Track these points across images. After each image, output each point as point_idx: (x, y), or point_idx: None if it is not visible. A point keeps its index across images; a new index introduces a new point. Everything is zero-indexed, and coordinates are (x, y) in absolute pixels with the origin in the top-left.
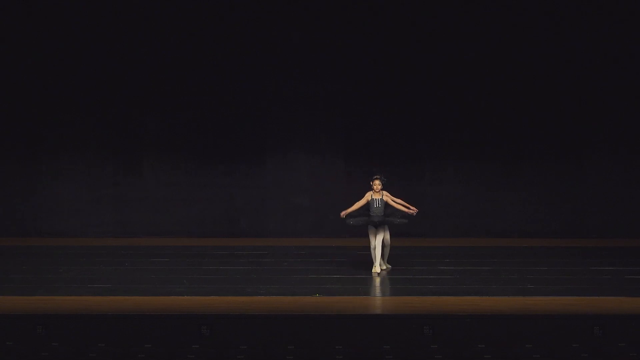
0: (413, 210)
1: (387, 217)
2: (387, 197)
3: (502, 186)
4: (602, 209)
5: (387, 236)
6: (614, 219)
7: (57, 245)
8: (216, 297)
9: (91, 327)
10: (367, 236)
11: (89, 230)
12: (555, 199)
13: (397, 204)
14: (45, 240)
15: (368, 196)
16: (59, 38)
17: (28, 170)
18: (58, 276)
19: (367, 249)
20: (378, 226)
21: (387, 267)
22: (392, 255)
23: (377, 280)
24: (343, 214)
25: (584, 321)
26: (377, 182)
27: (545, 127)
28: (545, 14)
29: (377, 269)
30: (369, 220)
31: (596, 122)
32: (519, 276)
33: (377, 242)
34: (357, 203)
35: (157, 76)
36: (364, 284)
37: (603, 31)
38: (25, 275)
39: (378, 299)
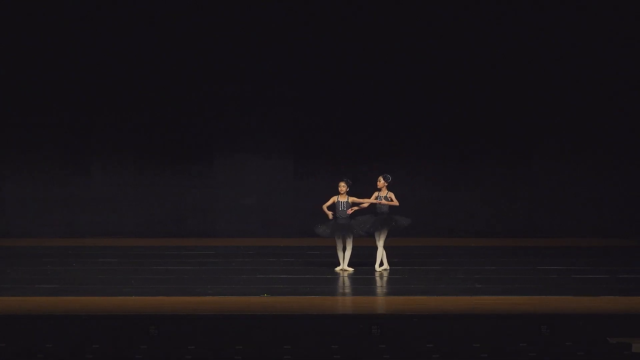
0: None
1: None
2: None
3: (451, 186)
4: (549, 210)
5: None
6: (562, 219)
7: (3, 246)
8: (164, 297)
9: (38, 327)
10: (316, 237)
11: (37, 231)
12: (503, 199)
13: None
14: None
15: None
16: (1, 38)
17: None
18: (5, 276)
19: (315, 248)
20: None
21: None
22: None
23: (326, 281)
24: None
25: (532, 320)
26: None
27: (494, 128)
28: (492, 17)
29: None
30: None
31: (544, 125)
32: (466, 276)
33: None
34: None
35: (106, 76)
36: (312, 284)
37: (547, 35)
38: None
39: (326, 298)
